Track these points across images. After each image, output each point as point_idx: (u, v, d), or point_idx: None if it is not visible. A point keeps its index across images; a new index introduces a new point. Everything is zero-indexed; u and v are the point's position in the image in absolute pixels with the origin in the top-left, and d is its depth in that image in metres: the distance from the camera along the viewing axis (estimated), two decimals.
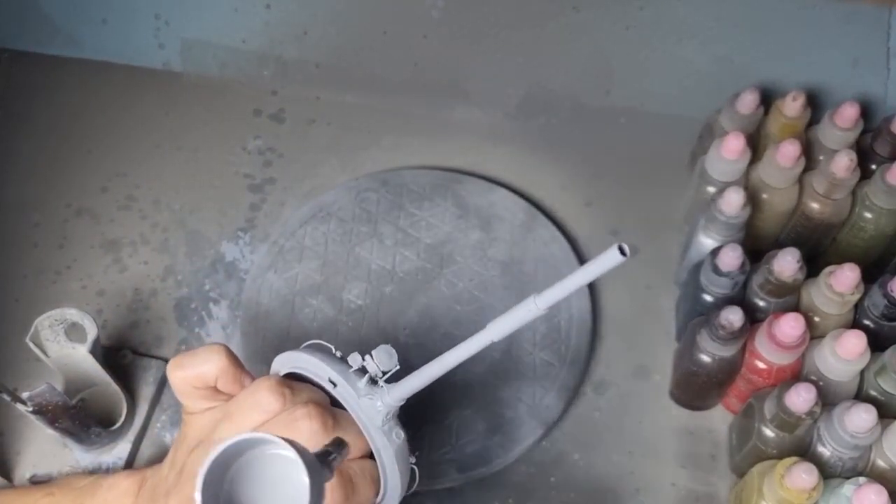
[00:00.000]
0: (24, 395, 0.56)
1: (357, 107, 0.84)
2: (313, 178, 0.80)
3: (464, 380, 0.67)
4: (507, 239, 0.75)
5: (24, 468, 0.64)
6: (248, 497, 0.33)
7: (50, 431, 0.61)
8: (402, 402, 0.46)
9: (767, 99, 0.72)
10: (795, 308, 0.64)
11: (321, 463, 0.33)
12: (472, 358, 0.68)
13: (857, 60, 0.76)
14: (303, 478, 0.32)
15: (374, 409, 0.46)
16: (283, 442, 0.32)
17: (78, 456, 0.64)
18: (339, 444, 0.36)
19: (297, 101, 0.84)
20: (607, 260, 0.39)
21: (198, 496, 0.31)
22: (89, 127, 0.82)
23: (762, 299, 0.64)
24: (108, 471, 0.64)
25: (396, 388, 0.46)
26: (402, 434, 0.47)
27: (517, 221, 0.76)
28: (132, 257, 0.75)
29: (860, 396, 0.61)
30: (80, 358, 0.63)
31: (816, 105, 0.76)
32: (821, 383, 0.60)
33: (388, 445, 0.46)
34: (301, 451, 0.32)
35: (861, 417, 0.55)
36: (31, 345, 0.62)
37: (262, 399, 0.46)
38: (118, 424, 0.64)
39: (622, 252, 0.39)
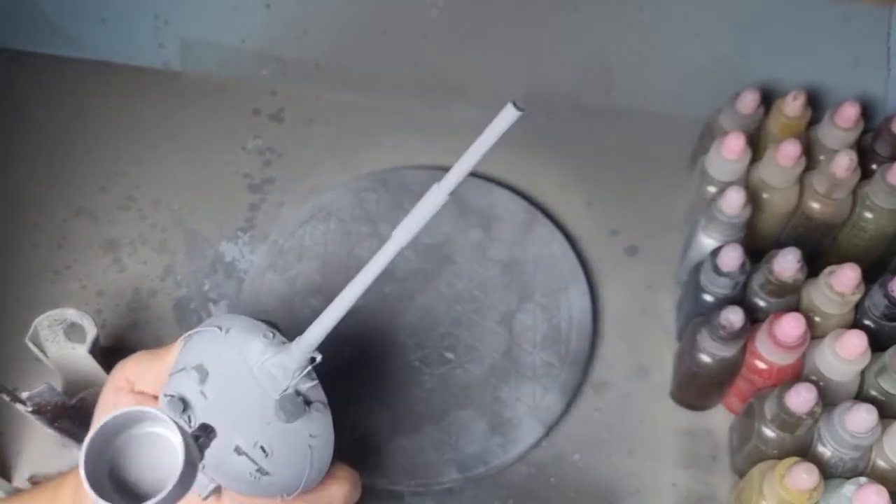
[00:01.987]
0: (24, 395, 0.56)
1: (357, 107, 0.84)
2: (313, 178, 0.80)
3: (464, 380, 0.67)
4: (507, 239, 0.74)
5: (24, 468, 0.64)
6: (128, 469, 0.34)
7: (49, 431, 0.61)
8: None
9: (768, 98, 0.72)
10: (796, 308, 0.64)
11: (199, 443, 0.34)
12: (472, 358, 0.68)
13: (857, 60, 0.76)
14: (178, 455, 0.32)
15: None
16: (166, 418, 0.33)
17: (77, 456, 0.64)
18: (206, 429, 0.37)
19: (297, 100, 0.84)
20: (504, 120, 0.38)
21: (81, 465, 0.32)
22: (88, 126, 0.82)
23: (763, 299, 0.64)
24: None
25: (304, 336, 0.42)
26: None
27: (517, 221, 0.75)
28: (131, 257, 0.75)
29: (861, 396, 0.61)
30: (79, 358, 0.63)
31: (817, 105, 0.75)
32: (821, 383, 0.60)
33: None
34: (181, 428, 0.33)
35: (862, 418, 0.55)
36: (31, 345, 0.62)
37: None
38: None
39: (517, 107, 0.37)
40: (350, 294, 0.41)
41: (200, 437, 0.36)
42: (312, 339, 0.42)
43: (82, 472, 0.32)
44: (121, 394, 0.47)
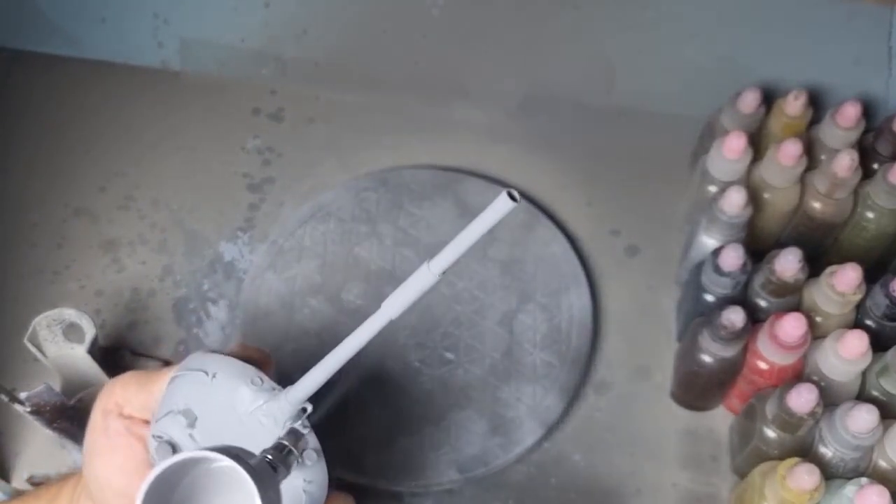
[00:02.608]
0: (22, 395, 0.56)
1: (357, 106, 0.84)
2: (312, 178, 0.80)
3: (464, 380, 0.67)
4: (507, 239, 0.74)
5: (22, 469, 0.64)
6: None
7: (48, 432, 0.60)
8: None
9: (769, 98, 0.72)
10: (797, 308, 0.64)
11: (272, 463, 0.33)
12: (473, 359, 0.68)
13: (858, 59, 0.76)
14: (249, 486, 0.31)
15: None
16: (220, 455, 0.31)
17: (76, 457, 0.64)
18: (294, 434, 0.35)
19: (297, 100, 0.84)
20: (498, 209, 0.38)
21: None
22: (87, 126, 0.82)
23: (764, 299, 0.64)
24: None
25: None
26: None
27: (517, 221, 0.75)
28: (130, 257, 0.75)
29: (862, 397, 0.61)
30: (78, 358, 0.63)
31: (818, 104, 0.75)
32: (822, 384, 0.60)
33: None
34: (240, 459, 0.31)
35: (863, 418, 0.55)
36: (29, 345, 0.62)
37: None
38: None
39: (512, 198, 0.37)
40: (340, 355, 0.41)
41: (286, 448, 0.34)
42: (302, 391, 0.41)
43: None
44: (110, 417, 0.47)
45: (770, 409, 0.58)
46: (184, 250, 0.75)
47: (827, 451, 0.58)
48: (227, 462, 0.31)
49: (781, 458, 0.57)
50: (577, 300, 0.71)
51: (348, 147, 0.82)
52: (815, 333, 0.62)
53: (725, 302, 0.62)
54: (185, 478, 0.33)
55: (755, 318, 0.62)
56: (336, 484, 0.47)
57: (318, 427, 0.43)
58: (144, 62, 0.85)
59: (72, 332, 0.63)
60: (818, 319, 0.63)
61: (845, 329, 0.59)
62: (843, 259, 0.63)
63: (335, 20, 0.82)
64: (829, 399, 0.59)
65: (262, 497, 0.31)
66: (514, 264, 0.73)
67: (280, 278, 0.72)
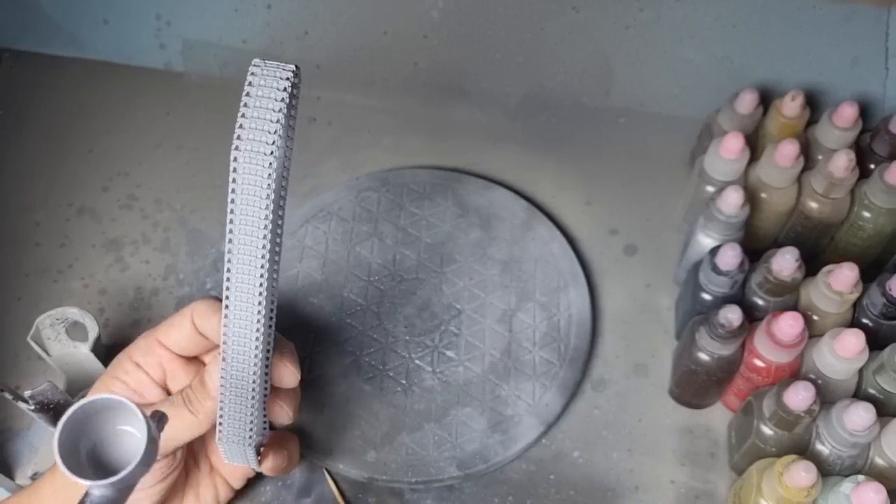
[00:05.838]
0: (26, 393, 0.56)
1: (357, 107, 0.84)
2: (314, 178, 0.80)
3: (464, 378, 0.68)
4: (506, 238, 0.75)
5: (26, 466, 0.65)
6: (106, 454, 0.39)
7: (52, 430, 0.61)
8: None
9: (766, 99, 0.73)
10: (794, 307, 0.64)
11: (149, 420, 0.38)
12: (473, 357, 0.69)
13: (855, 60, 0.77)
14: (142, 441, 0.37)
15: None
16: (129, 403, 0.37)
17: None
18: (157, 415, 0.41)
19: (298, 100, 0.84)
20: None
21: (55, 448, 0.36)
22: (90, 127, 0.83)
23: (761, 298, 0.64)
24: None
25: None
26: None
27: (517, 220, 0.76)
28: (133, 256, 0.75)
29: (859, 395, 0.62)
30: (81, 357, 0.63)
31: (815, 105, 0.76)
32: (819, 382, 0.60)
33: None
34: (144, 412, 0.38)
35: (860, 416, 0.55)
36: (33, 344, 0.62)
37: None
38: None
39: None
40: None
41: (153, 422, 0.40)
42: None
43: (57, 455, 0.35)
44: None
45: (767, 406, 0.59)
46: (187, 249, 0.76)
47: (824, 449, 0.58)
48: (127, 404, 0.38)
49: (779, 455, 0.57)
50: (576, 299, 0.71)
51: (349, 147, 0.82)
52: (812, 332, 0.62)
53: (723, 301, 0.63)
54: (95, 424, 0.38)
55: (752, 317, 0.63)
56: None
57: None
58: (147, 63, 0.86)
59: (75, 330, 0.64)
60: (815, 318, 0.64)
61: (842, 327, 0.60)
62: (839, 258, 0.63)
63: (336, 21, 0.82)
64: (827, 397, 0.60)
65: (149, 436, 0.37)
66: (514, 263, 0.73)
67: (281, 277, 0.72)
